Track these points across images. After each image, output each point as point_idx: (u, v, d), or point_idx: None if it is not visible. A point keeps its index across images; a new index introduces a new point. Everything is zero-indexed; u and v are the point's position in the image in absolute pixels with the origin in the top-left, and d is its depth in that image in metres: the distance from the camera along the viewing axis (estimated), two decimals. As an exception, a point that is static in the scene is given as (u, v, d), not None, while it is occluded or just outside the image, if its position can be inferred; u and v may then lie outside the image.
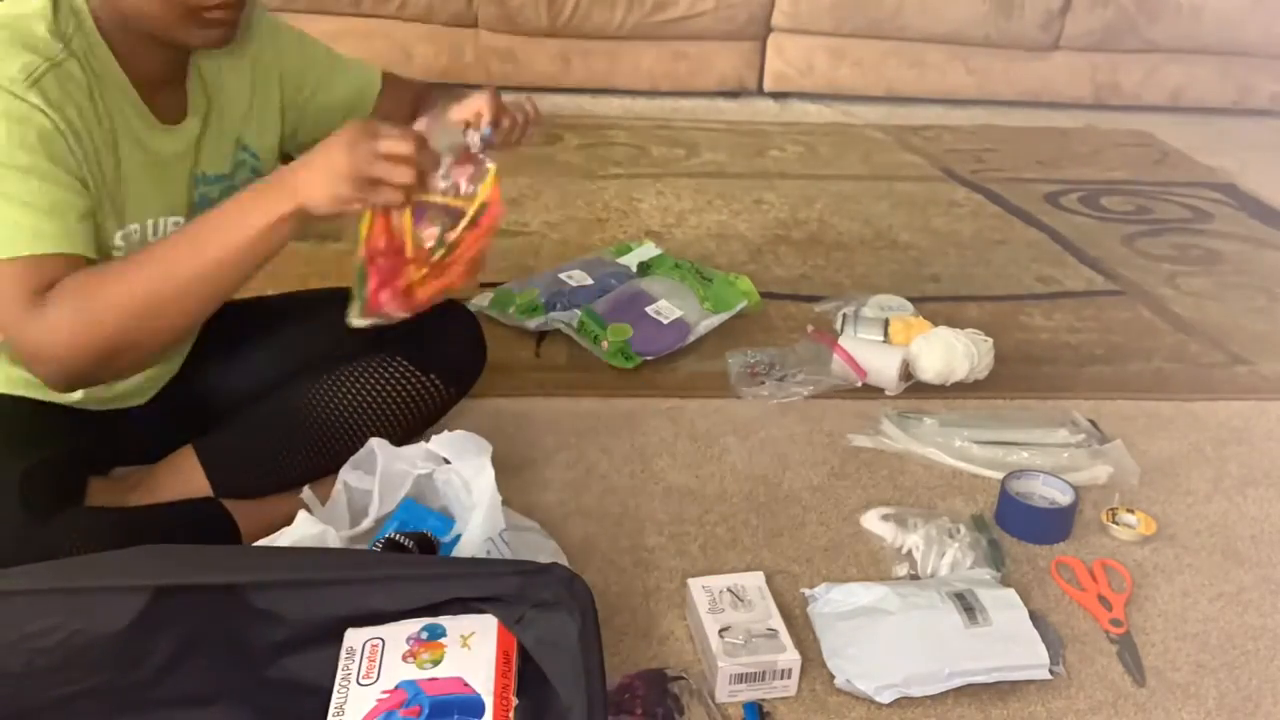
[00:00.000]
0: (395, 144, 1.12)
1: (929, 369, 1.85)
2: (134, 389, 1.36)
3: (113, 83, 1.19)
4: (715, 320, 1.97)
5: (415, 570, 1.11)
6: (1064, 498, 1.55)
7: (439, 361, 1.47)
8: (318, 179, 1.12)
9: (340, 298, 1.36)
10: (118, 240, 1.22)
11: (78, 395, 1.28)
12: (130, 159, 1.21)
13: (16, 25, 1.13)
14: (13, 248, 1.10)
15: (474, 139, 1.23)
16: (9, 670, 0.99)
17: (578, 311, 1.94)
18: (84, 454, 1.33)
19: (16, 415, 1.27)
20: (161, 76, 1.25)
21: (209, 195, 1.33)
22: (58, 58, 1.13)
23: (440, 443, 1.33)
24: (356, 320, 1.21)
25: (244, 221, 1.14)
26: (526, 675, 1.01)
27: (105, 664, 1.01)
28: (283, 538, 1.21)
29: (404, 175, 1.13)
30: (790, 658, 1.22)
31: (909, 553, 1.44)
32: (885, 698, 1.22)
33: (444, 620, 1.04)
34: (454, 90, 1.38)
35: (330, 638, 1.04)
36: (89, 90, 1.16)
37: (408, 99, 1.51)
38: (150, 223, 1.25)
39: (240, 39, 1.30)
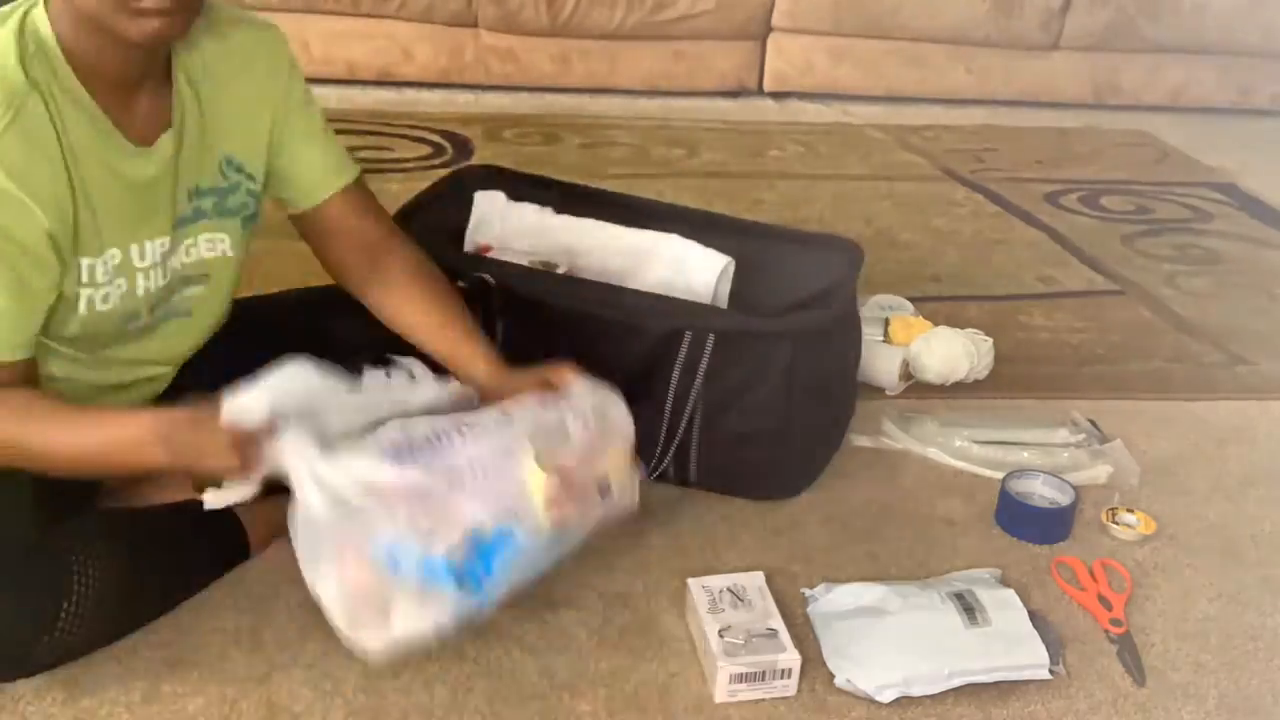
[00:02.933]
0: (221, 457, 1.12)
1: (929, 369, 1.85)
2: (129, 398, 1.33)
3: (78, 108, 1.12)
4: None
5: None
6: (1064, 498, 1.55)
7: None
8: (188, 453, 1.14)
9: (345, 297, 1.40)
10: (99, 272, 1.18)
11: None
12: (100, 186, 1.15)
13: None
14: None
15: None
16: None
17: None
18: None
19: None
20: (131, 91, 1.17)
21: (203, 208, 1.28)
22: (19, 98, 1.07)
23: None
24: None
25: (115, 462, 1.17)
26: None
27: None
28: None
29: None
30: (790, 658, 1.22)
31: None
32: (885, 697, 1.22)
33: None
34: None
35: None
36: (51, 125, 1.10)
37: (365, 233, 1.41)
38: (135, 248, 1.20)
39: (247, 54, 1.28)
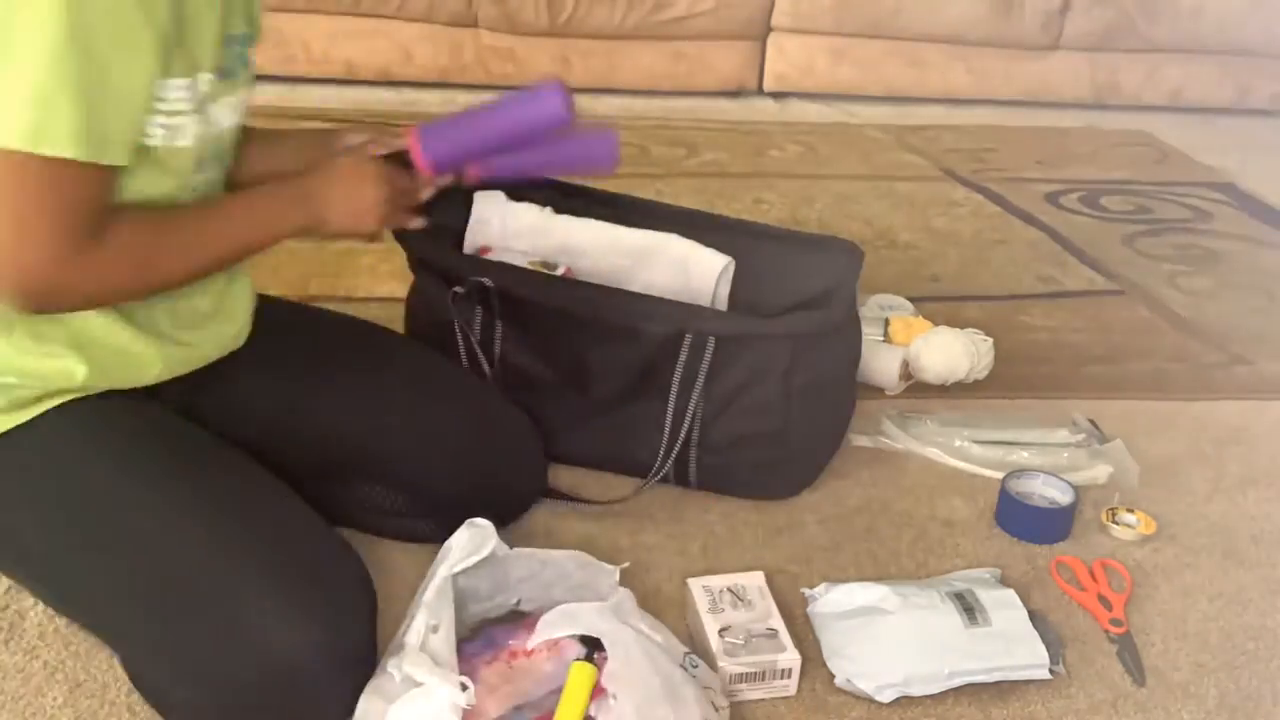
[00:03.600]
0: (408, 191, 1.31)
1: (929, 369, 1.85)
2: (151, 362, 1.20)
3: None
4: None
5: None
6: (1064, 498, 1.55)
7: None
8: (348, 213, 1.24)
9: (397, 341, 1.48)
10: (185, 98, 1.06)
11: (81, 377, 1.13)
12: None
13: None
14: (71, 145, 0.96)
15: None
16: None
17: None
18: None
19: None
20: None
21: (235, 61, 1.15)
22: None
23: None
24: None
25: (272, 226, 1.20)
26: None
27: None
28: None
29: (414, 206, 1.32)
30: (790, 658, 1.22)
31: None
32: (885, 697, 1.22)
33: None
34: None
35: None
36: None
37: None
38: (188, 80, 1.07)
39: None
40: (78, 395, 1.15)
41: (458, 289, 1.49)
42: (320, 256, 1.88)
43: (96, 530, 1.09)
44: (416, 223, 1.37)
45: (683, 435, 1.50)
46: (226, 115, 1.17)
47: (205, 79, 1.10)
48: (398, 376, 1.40)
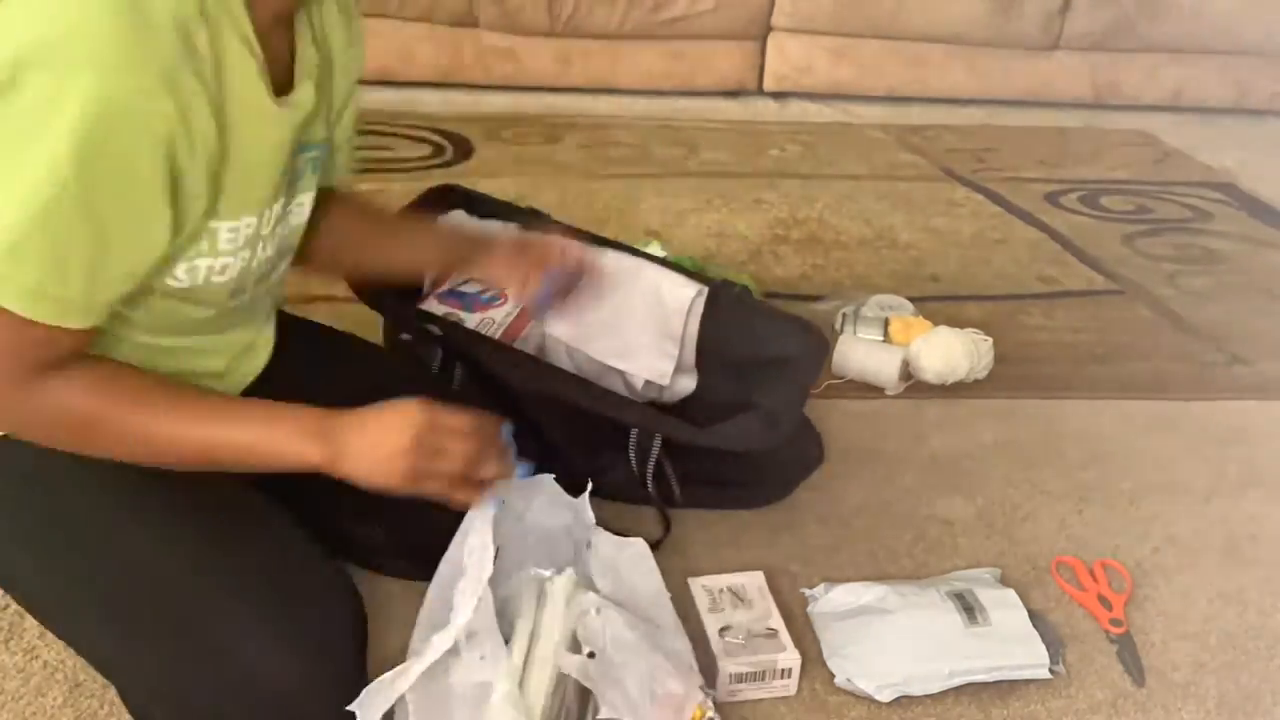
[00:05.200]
0: (461, 443, 1.05)
1: (929, 369, 1.85)
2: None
3: (242, 46, 0.95)
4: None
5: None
6: None
7: None
8: (367, 459, 1.03)
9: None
10: (226, 240, 1.02)
11: None
12: (250, 139, 0.99)
13: None
14: (19, 302, 0.91)
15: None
16: None
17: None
18: None
19: None
20: (280, 28, 1.02)
21: (305, 166, 1.12)
22: (192, 28, 0.89)
23: None
24: None
25: (272, 454, 1.03)
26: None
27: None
28: None
29: (457, 469, 1.05)
30: (790, 657, 1.22)
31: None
32: (885, 696, 1.22)
33: None
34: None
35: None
36: (214, 63, 0.92)
37: (371, 229, 1.36)
38: (267, 212, 1.06)
39: (358, 27, 1.17)
40: None
41: (404, 336, 1.48)
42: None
43: (83, 556, 1.06)
44: (476, 499, 1.09)
45: (651, 479, 1.48)
46: (292, 218, 1.14)
47: (250, 221, 1.05)
48: None
